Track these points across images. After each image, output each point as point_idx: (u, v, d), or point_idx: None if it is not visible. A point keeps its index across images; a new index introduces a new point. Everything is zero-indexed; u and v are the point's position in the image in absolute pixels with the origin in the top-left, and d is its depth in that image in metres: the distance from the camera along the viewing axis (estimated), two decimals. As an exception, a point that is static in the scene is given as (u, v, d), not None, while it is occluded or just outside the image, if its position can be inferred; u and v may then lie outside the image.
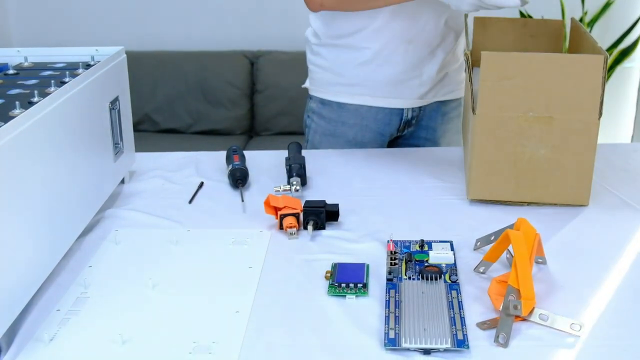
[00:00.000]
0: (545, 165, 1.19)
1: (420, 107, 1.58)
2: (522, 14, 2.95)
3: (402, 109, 1.56)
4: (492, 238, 1.05)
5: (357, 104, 1.55)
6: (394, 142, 1.65)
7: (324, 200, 1.17)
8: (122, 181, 1.33)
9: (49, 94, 1.00)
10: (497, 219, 1.17)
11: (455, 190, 1.29)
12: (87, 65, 1.20)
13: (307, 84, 1.65)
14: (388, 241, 1.05)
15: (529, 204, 1.22)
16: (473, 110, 1.20)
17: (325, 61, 1.56)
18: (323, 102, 1.60)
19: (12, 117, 0.88)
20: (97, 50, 1.28)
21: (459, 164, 1.40)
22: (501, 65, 1.16)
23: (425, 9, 1.44)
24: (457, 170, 1.38)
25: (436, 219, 1.19)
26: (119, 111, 1.27)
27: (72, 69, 1.19)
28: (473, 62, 1.32)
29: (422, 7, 1.43)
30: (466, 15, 1.47)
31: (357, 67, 1.52)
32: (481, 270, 1.01)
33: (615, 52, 2.99)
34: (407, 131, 1.62)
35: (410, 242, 1.08)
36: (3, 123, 0.85)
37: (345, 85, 1.55)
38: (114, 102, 1.25)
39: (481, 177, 1.22)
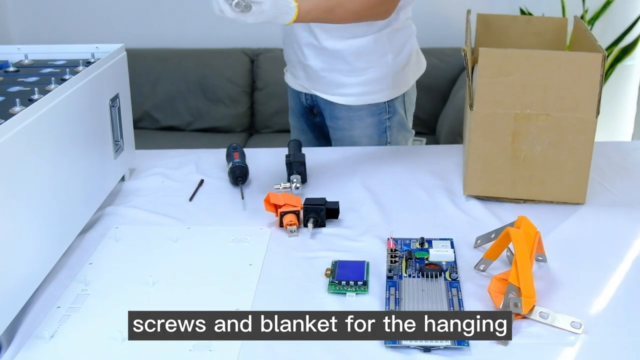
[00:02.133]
0: (542, 162, 1.19)
1: (312, 96, 1.61)
2: (522, 12, 2.95)
3: (296, 91, 1.65)
4: (493, 236, 1.05)
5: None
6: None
7: (324, 198, 1.17)
8: (122, 178, 1.34)
9: (49, 91, 1.00)
10: (496, 216, 1.17)
11: (455, 188, 1.29)
12: (88, 63, 1.20)
13: None
14: (388, 239, 1.05)
15: (524, 201, 1.23)
16: (471, 106, 1.20)
17: None
18: None
19: (13, 115, 0.88)
20: (97, 47, 1.28)
21: (460, 162, 1.41)
22: (499, 61, 1.16)
23: None
24: (457, 168, 1.38)
25: (436, 217, 1.19)
26: (119, 108, 1.27)
27: (72, 66, 1.19)
28: (474, 60, 1.32)
29: None
30: (468, 12, 1.47)
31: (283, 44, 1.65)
32: (481, 268, 1.01)
33: (616, 50, 2.98)
34: (319, 119, 1.66)
35: (410, 239, 1.08)
36: (3, 120, 0.85)
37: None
38: (114, 99, 1.25)
39: (477, 174, 1.23)
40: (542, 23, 1.49)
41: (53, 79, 1.07)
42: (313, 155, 1.42)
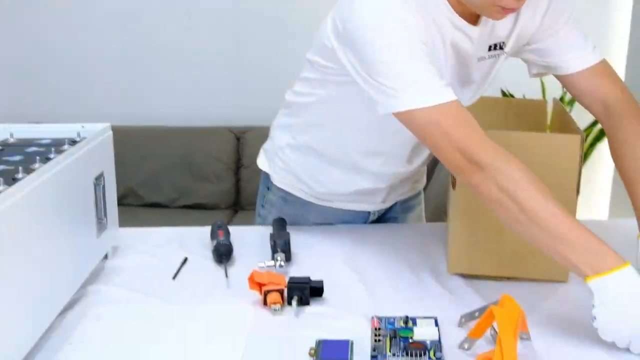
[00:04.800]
0: (525, 240, 1.20)
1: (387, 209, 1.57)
2: (503, 93, 3.01)
3: (369, 212, 1.54)
4: (477, 314, 1.05)
5: (323, 206, 1.50)
6: None
7: (309, 277, 1.16)
8: (105, 257, 1.33)
9: (34, 170, 1.00)
10: (479, 294, 1.17)
11: (440, 266, 1.30)
12: (73, 142, 1.21)
13: (267, 169, 1.55)
14: (372, 317, 1.05)
15: (508, 279, 1.23)
16: (453, 184, 1.21)
17: (303, 160, 1.46)
18: (286, 200, 1.52)
19: (-4, 194, 0.88)
20: (82, 126, 1.29)
21: (444, 240, 1.41)
22: (482, 142, 1.17)
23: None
24: (441, 246, 1.39)
25: (421, 295, 1.18)
26: (103, 187, 1.27)
27: (57, 145, 1.19)
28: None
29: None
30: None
31: (333, 180, 1.45)
32: (466, 347, 1.00)
33: (595, 130, 3.03)
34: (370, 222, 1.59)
35: (394, 318, 1.07)
36: (-14, 199, 0.86)
37: (315, 190, 1.48)
38: (99, 177, 1.25)
39: (461, 251, 1.23)
40: (523, 105, 1.53)
41: (38, 157, 1.07)
42: (297, 233, 1.42)
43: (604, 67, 1.30)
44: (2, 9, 3.26)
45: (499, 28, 1.26)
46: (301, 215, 1.52)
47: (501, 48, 1.29)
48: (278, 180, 1.52)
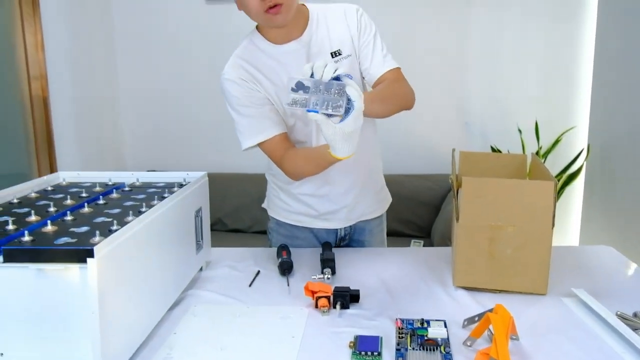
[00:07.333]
0: (512, 262, 1.17)
1: (350, 226, 1.53)
2: (492, 149, 2.97)
3: (336, 229, 1.51)
4: (476, 319, 1.02)
5: (302, 226, 1.52)
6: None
7: (349, 287, 1.15)
8: (201, 269, 1.34)
9: (153, 205, 1.02)
10: (478, 303, 1.15)
11: (447, 280, 1.27)
12: (180, 185, 1.23)
13: (265, 205, 1.61)
14: (396, 319, 1.03)
15: (500, 291, 1.20)
16: (457, 219, 1.20)
17: (282, 193, 1.53)
18: (278, 223, 1.55)
19: (127, 222, 0.90)
20: (187, 174, 1.32)
21: (449, 260, 1.39)
22: (477, 187, 1.16)
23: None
24: (447, 265, 1.36)
25: (433, 302, 1.16)
26: (201, 218, 1.29)
27: (169, 187, 1.22)
28: (458, 185, 1.33)
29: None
30: (454, 150, 1.49)
31: (301, 203, 1.49)
32: (468, 344, 0.98)
33: (565, 176, 2.97)
34: (343, 244, 1.55)
35: (413, 320, 1.06)
36: (120, 227, 0.88)
37: (292, 213, 1.51)
38: (198, 211, 1.27)
39: (463, 270, 1.21)
40: (508, 158, 1.50)
41: (156, 196, 1.09)
42: (340, 253, 1.41)
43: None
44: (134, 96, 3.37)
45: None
46: (291, 235, 1.53)
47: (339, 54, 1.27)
48: (272, 212, 1.57)
